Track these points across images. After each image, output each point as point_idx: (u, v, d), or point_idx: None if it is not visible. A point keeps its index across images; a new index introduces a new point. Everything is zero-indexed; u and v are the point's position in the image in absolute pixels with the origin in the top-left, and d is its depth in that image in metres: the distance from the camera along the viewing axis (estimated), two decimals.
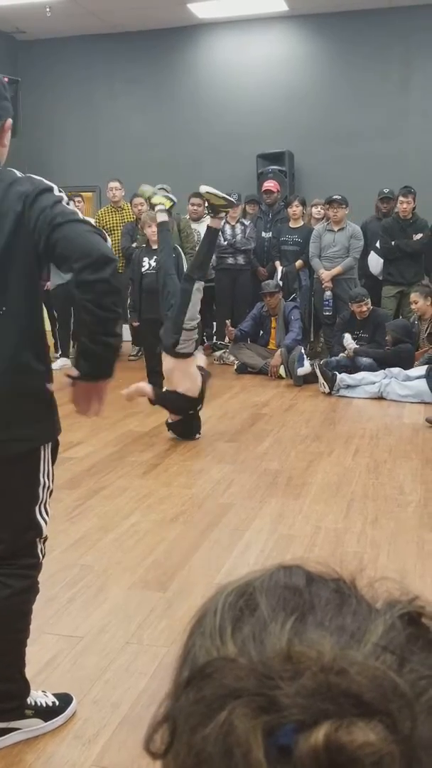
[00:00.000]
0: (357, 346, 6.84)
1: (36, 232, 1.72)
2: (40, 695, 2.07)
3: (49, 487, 1.98)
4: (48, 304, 8.33)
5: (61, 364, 7.92)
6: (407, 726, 0.40)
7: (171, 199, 5.41)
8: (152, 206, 5.57)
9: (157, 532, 3.44)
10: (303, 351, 6.90)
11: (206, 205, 5.25)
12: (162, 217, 5.37)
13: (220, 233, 7.96)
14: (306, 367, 6.66)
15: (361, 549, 3.28)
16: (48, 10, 9.15)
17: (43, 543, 2.01)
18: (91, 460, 4.56)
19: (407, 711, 0.40)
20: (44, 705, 2.05)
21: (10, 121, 1.88)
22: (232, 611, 0.45)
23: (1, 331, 1.79)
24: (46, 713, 2.04)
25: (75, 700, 2.13)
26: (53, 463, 1.99)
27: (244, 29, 9.72)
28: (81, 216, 1.78)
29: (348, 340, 6.93)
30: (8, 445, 1.84)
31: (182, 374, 4.88)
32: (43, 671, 2.32)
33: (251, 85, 9.77)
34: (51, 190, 1.77)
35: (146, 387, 5.05)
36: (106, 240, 1.83)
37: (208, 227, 5.05)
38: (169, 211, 5.40)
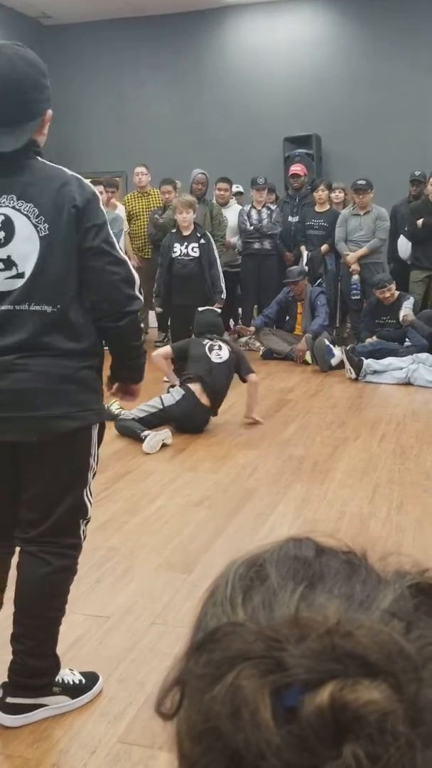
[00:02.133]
0: (414, 318, 6.75)
1: (80, 240, 1.85)
2: (67, 673, 2.11)
3: (95, 470, 2.04)
4: None
5: None
6: (412, 686, 0.41)
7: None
8: None
9: (183, 516, 3.48)
10: (328, 342, 6.80)
11: None
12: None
13: (246, 218, 7.95)
14: (337, 357, 6.60)
15: (386, 534, 3.28)
16: None
17: (86, 525, 2.06)
18: (118, 445, 4.60)
19: (412, 673, 0.41)
20: (71, 683, 2.09)
21: (50, 111, 1.92)
22: (242, 581, 0.46)
23: (55, 320, 1.86)
24: (73, 691, 2.08)
25: (101, 679, 2.17)
26: (99, 446, 2.04)
27: (271, 12, 9.64)
28: (118, 249, 1.92)
29: (409, 306, 6.83)
30: (61, 423, 1.89)
31: None
32: (71, 650, 2.37)
33: (278, 68, 9.69)
34: (98, 200, 1.91)
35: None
36: (133, 282, 1.95)
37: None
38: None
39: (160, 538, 3.23)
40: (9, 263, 1.81)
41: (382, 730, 0.39)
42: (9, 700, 1.97)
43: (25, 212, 1.81)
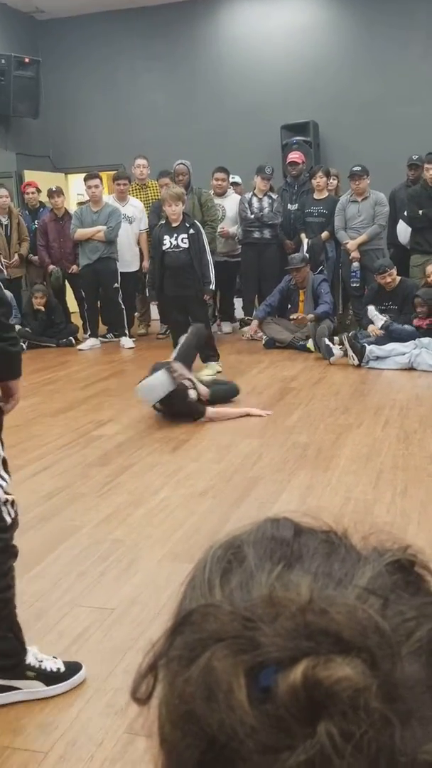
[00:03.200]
0: (385, 320, 6.68)
1: None
2: (48, 660, 2.13)
3: (2, 455, 2.06)
4: (75, 286, 8.39)
5: (90, 344, 7.99)
6: (387, 663, 0.40)
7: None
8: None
9: (187, 506, 3.47)
10: (327, 340, 6.68)
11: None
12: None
13: (247, 206, 7.91)
14: (336, 356, 6.52)
15: (391, 519, 3.27)
16: None
17: (10, 505, 2.07)
18: (121, 438, 4.60)
19: (388, 649, 0.40)
20: (49, 670, 2.11)
21: None
22: (220, 563, 0.46)
23: None
24: (49, 678, 2.10)
25: (84, 670, 2.18)
26: (0, 431, 2.07)
27: None
28: None
29: (372, 312, 6.79)
30: None
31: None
32: (76, 642, 2.37)
33: (273, 55, 9.63)
34: None
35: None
36: None
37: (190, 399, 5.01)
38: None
39: (165, 529, 3.23)
40: None
41: (355, 707, 0.38)
42: None
43: None
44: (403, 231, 7.84)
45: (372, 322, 6.77)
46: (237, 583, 0.44)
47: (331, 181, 8.32)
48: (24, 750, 1.92)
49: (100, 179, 8.03)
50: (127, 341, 7.92)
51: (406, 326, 6.56)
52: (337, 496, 3.55)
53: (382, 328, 6.62)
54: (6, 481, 2.07)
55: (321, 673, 0.39)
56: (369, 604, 0.42)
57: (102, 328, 8.33)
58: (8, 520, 2.05)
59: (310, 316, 7.06)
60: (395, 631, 0.42)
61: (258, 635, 0.41)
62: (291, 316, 7.18)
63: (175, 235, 6.17)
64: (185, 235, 6.13)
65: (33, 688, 2.09)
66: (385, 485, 3.67)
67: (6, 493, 2.05)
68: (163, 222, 6.40)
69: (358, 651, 0.40)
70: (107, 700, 2.11)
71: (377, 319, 6.72)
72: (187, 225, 6.20)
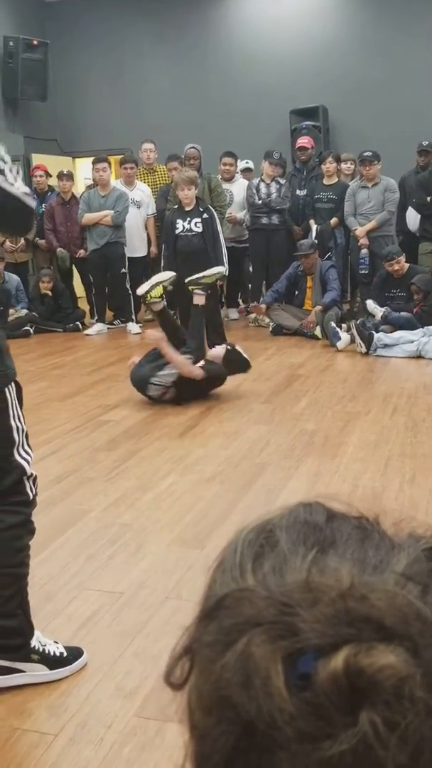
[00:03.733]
0: (383, 311, 6.68)
1: None
2: (51, 644, 2.14)
3: (22, 429, 2.06)
4: (83, 270, 8.37)
5: (97, 330, 7.98)
6: (429, 651, 0.40)
7: (163, 285, 5.31)
8: (149, 305, 5.53)
9: (194, 492, 3.48)
10: (335, 324, 6.69)
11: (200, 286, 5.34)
12: (158, 307, 5.29)
13: (254, 192, 7.86)
14: (344, 341, 6.51)
15: (399, 506, 3.27)
16: None
17: (32, 482, 2.08)
18: (129, 423, 4.60)
19: (430, 637, 0.40)
20: (52, 654, 2.12)
21: None
22: (252, 548, 0.45)
23: None
24: (53, 662, 2.11)
25: (85, 655, 2.19)
26: (21, 406, 2.07)
27: None
28: None
29: (371, 305, 6.79)
30: None
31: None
32: (85, 626, 2.38)
33: (282, 39, 9.55)
34: None
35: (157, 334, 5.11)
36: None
37: (195, 305, 5.23)
38: (163, 295, 5.32)
39: (173, 514, 3.23)
40: None
41: (399, 696, 0.38)
42: None
43: None
44: (413, 218, 7.79)
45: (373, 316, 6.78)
46: (270, 567, 0.43)
47: (348, 165, 8.24)
48: (34, 731, 1.93)
49: (108, 163, 7.99)
50: (134, 326, 7.91)
51: (403, 313, 6.55)
52: (345, 483, 3.55)
53: (381, 318, 6.61)
54: (30, 456, 2.08)
55: (363, 661, 0.38)
56: (408, 590, 0.42)
57: (109, 313, 8.32)
58: (30, 495, 2.07)
59: (318, 307, 7.04)
60: None
61: (297, 621, 0.40)
62: (301, 323, 7.14)
63: (189, 218, 6.15)
64: (198, 219, 6.12)
65: (36, 672, 2.10)
66: (393, 473, 3.66)
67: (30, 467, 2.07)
68: (175, 206, 6.37)
69: (401, 639, 0.39)
70: (117, 683, 2.11)
71: (377, 311, 6.73)
72: (201, 209, 6.18)
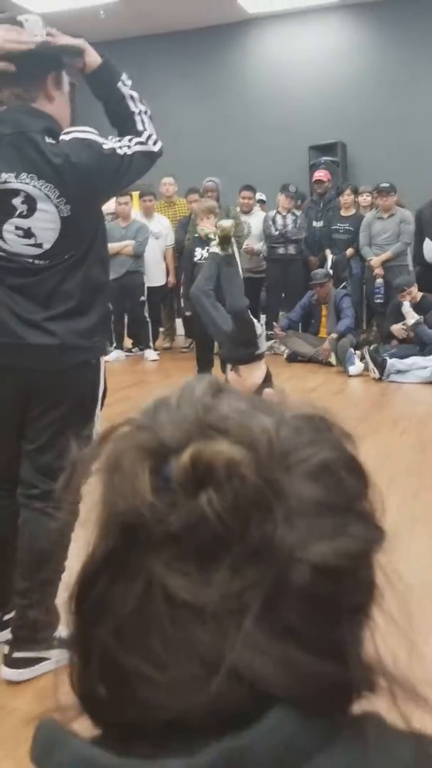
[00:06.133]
0: (418, 318, 6.71)
1: None
2: (62, 629, 2.18)
3: (97, 430, 2.13)
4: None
5: (115, 356, 8.11)
6: (269, 460, 0.46)
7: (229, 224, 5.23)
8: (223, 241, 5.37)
9: None
10: (353, 350, 6.77)
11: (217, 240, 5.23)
12: (222, 251, 5.26)
13: (271, 223, 8.02)
14: (357, 367, 6.57)
15: (399, 520, 3.28)
16: (102, 13, 9.38)
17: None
18: None
19: (270, 450, 0.46)
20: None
21: (65, 78, 2.08)
22: (151, 406, 0.52)
23: None
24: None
25: None
26: (101, 407, 2.17)
27: (294, 21, 9.75)
28: None
29: (407, 308, 6.80)
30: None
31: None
32: None
33: (302, 77, 9.79)
34: None
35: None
36: None
37: (221, 257, 5.13)
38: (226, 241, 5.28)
39: None
40: None
41: (230, 476, 0.44)
42: (16, 654, 2.03)
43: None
44: (430, 249, 7.87)
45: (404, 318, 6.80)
46: (165, 413, 0.50)
47: (365, 197, 8.37)
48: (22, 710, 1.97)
49: (130, 197, 8.22)
50: (151, 354, 8.03)
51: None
52: None
53: (412, 325, 6.65)
54: None
55: (204, 450, 0.45)
56: (267, 420, 0.49)
57: (126, 341, 8.46)
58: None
59: (333, 335, 7.11)
60: (286, 451, 0.48)
61: (162, 433, 0.47)
62: (316, 351, 7.22)
63: (207, 248, 6.29)
64: None
65: (60, 657, 2.14)
66: (396, 488, 3.68)
67: None
68: (196, 235, 6.51)
69: (242, 440, 0.46)
70: None
71: (410, 315, 6.74)
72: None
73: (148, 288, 8.12)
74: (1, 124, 1.95)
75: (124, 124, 2.07)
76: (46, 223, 1.95)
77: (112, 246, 7.90)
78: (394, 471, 3.94)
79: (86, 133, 2.01)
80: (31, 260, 1.96)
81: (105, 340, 2.18)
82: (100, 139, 2.02)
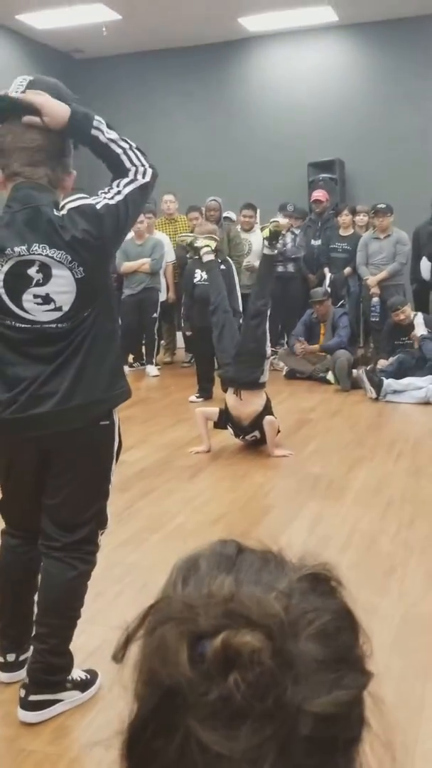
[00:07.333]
0: (428, 331, 6.88)
1: None
2: (76, 670, 2.32)
3: (112, 482, 2.28)
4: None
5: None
6: (282, 638, 0.59)
7: (214, 239, 5.57)
8: (196, 251, 5.77)
9: (201, 533, 3.65)
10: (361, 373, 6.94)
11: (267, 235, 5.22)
12: (209, 257, 5.52)
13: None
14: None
15: (394, 550, 3.42)
16: (104, 29, 9.50)
17: (102, 533, 2.30)
18: (142, 464, 4.79)
19: (282, 629, 0.60)
20: (79, 678, 2.30)
21: (73, 173, 2.23)
22: (181, 572, 0.65)
23: None
24: (82, 685, 2.30)
25: (100, 675, 2.38)
26: (116, 461, 2.29)
27: (295, 41, 9.88)
28: None
29: (420, 319, 7.00)
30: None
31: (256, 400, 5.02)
32: (92, 656, 2.55)
33: (302, 95, 9.92)
34: None
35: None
36: None
37: (265, 255, 5.23)
38: (215, 251, 5.55)
39: (180, 554, 3.39)
40: None
41: (252, 661, 0.58)
42: (32, 697, 2.16)
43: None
44: (426, 267, 8.01)
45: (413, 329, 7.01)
46: (192, 584, 0.63)
47: (362, 217, 8.52)
48: (39, 752, 2.10)
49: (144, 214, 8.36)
50: (152, 369, 8.15)
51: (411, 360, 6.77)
52: (345, 526, 3.71)
53: (419, 337, 6.84)
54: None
55: (233, 640, 0.58)
56: (275, 597, 0.62)
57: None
58: (99, 544, 2.30)
59: (315, 346, 7.31)
60: (295, 619, 0.61)
61: (198, 617, 0.61)
62: (313, 369, 7.39)
63: (195, 257, 6.42)
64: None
65: (73, 698, 2.28)
66: (392, 516, 3.81)
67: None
68: (196, 256, 6.64)
69: (261, 628, 0.60)
70: (118, 712, 2.28)
71: (420, 327, 6.91)
72: (219, 261, 6.45)
73: None
74: (14, 201, 2.07)
75: (116, 169, 2.18)
76: (62, 287, 2.04)
77: (130, 265, 8.03)
78: (390, 498, 4.08)
79: (77, 200, 2.10)
80: (54, 325, 2.06)
81: (123, 386, 2.25)
82: (91, 200, 2.10)
